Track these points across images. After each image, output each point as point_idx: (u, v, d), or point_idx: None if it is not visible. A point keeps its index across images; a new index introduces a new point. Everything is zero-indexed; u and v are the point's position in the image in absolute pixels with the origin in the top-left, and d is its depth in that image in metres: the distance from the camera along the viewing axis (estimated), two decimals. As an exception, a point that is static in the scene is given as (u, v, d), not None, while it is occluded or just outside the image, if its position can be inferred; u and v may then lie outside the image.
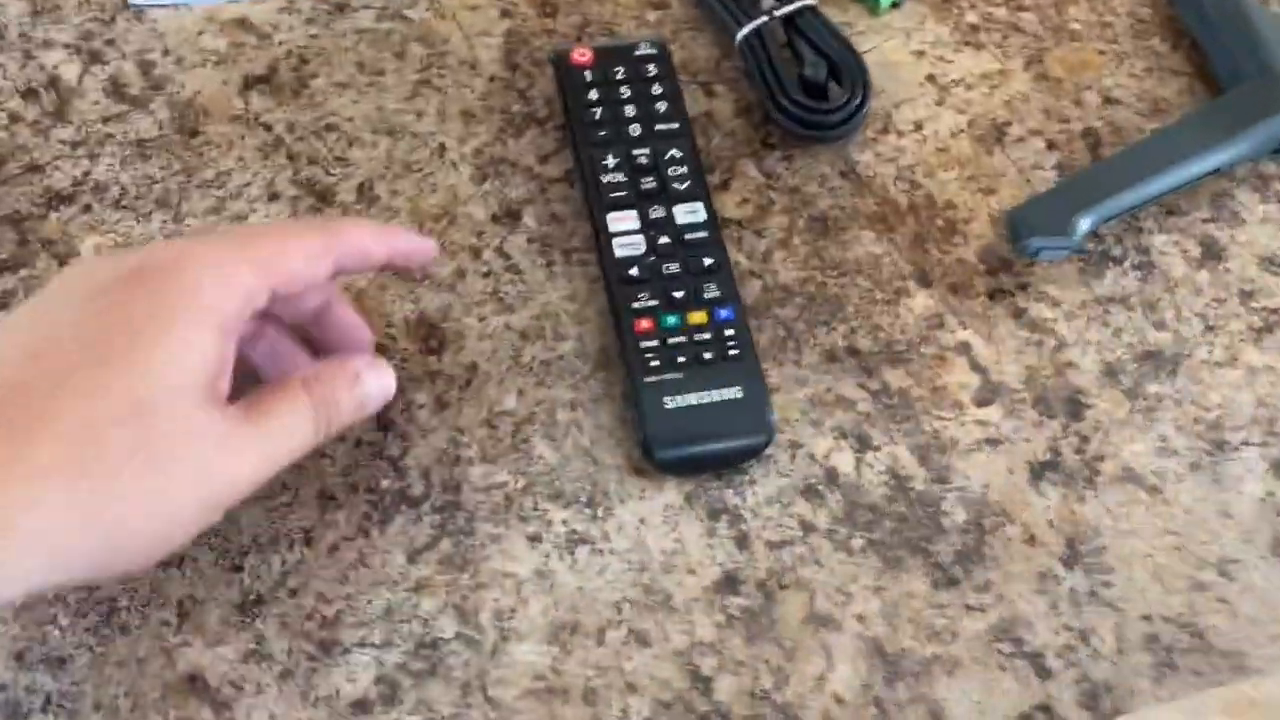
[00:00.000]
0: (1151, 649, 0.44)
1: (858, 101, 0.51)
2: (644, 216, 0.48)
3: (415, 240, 0.43)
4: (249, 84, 0.52)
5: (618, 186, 0.49)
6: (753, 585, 0.44)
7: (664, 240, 0.48)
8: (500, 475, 0.45)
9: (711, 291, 0.47)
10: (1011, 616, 0.44)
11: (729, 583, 0.44)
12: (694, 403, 0.45)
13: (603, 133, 0.50)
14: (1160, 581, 0.45)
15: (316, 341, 0.42)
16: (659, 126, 0.50)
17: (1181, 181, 0.51)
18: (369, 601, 0.42)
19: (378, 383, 0.40)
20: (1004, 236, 0.52)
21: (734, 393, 0.45)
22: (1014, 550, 0.45)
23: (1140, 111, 0.56)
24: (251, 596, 0.42)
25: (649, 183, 0.49)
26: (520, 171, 0.51)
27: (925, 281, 0.51)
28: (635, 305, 0.46)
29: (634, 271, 0.47)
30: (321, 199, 0.50)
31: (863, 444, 0.47)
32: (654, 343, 0.45)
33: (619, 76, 0.51)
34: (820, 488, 0.46)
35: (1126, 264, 0.52)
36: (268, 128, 0.51)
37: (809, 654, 0.43)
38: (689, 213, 0.49)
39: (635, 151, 0.49)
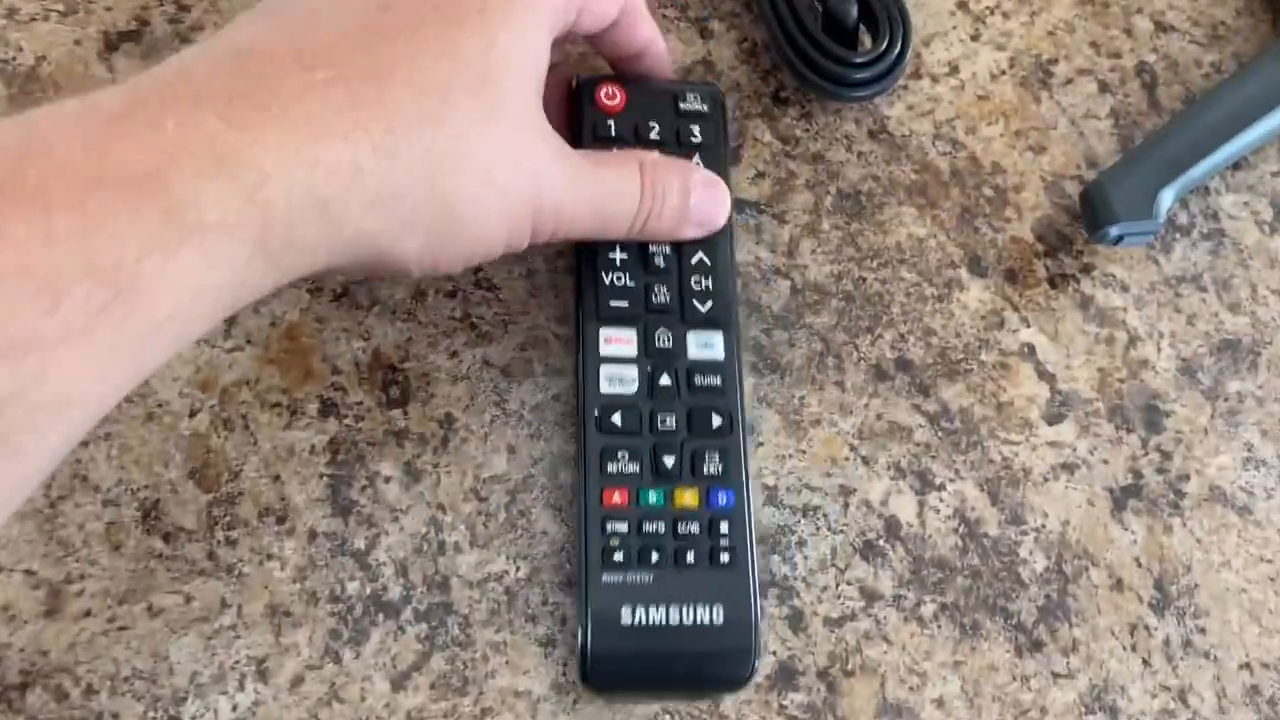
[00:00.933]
0: (1254, 703, 0.38)
1: (895, 53, 0.41)
2: (646, 341, 0.36)
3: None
4: (111, 44, 0.40)
5: (620, 292, 0.37)
6: (813, 675, 0.36)
7: (665, 381, 0.36)
8: (497, 563, 0.36)
9: (713, 465, 0.35)
10: (1103, 680, 0.38)
11: (785, 675, 0.36)
12: (660, 621, 0.33)
13: None
14: (1257, 621, 0.39)
15: (614, 61, 0.39)
16: None
17: (1269, 136, 0.43)
18: (349, 747, 0.33)
19: (711, 204, 0.37)
20: (1060, 206, 0.44)
21: (714, 614, 0.34)
22: (1101, 599, 0.39)
23: (1197, 40, 0.48)
24: (197, 757, 0.33)
25: (662, 293, 0.37)
26: (481, 150, 0.40)
27: (979, 269, 0.42)
28: (610, 468, 0.35)
29: (618, 419, 0.35)
30: (227, 201, 0.38)
31: (924, 483, 0.39)
32: (623, 525, 0.34)
33: (653, 136, 0.38)
34: (881, 543, 0.38)
35: (1195, 233, 0.45)
36: (144, 104, 0.39)
37: (884, 753, 0.36)
38: (705, 345, 0.37)
39: (653, 247, 0.37)
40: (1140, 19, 0.48)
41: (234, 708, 0.33)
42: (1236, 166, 0.46)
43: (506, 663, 0.35)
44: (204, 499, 0.35)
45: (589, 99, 0.38)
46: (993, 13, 0.47)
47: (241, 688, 0.33)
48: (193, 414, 0.36)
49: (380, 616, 0.35)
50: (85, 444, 0.35)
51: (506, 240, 0.32)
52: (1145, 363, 0.42)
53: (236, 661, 0.34)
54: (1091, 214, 0.41)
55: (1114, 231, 0.40)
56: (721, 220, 0.37)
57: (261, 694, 0.33)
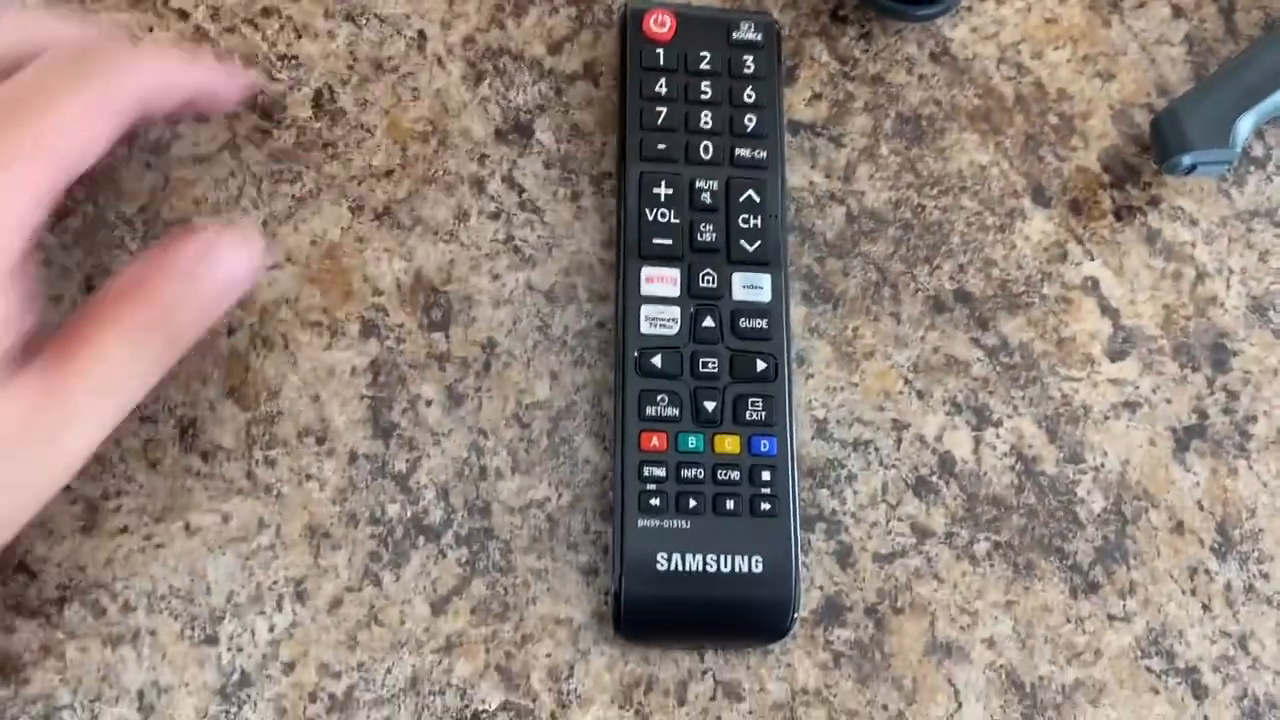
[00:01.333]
0: (1318, 652, 0.37)
1: (963, -33, 0.39)
2: (689, 281, 0.35)
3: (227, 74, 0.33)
4: (151, -50, 0.38)
5: (664, 229, 0.35)
6: (861, 612, 0.35)
7: (708, 322, 0.35)
8: (539, 489, 0.35)
9: (756, 411, 0.34)
10: (1161, 625, 0.37)
11: (832, 611, 0.35)
12: (695, 569, 0.32)
13: (661, 145, 0.36)
14: (1324, 568, 0.38)
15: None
16: (741, 151, 0.36)
17: (1355, 64, 0.41)
18: (388, 670, 0.33)
19: (231, 258, 0.30)
20: (1128, 136, 0.42)
21: (753, 564, 0.33)
22: (1160, 542, 0.37)
23: (1279, -38, 0.45)
24: (234, 677, 0.32)
25: (707, 231, 0.35)
26: (527, 66, 0.39)
27: (1042, 199, 0.41)
28: (649, 411, 0.34)
29: (658, 361, 0.34)
30: (266, 115, 0.37)
31: (981, 419, 0.38)
32: (660, 470, 0.33)
33: (703, 66, 0.37)
34: (934, 479, 0.37)
35: (1271, 166, 0.43)
36: (183, 14, 0.38)
37: (933, 692, 0.35)
38: (751, 286, 0.35)
39: (700, 182, 0.36)
40: (1219, -60, 0.45)
41: (271, 628, 0.33)
42: (1316, 96, 0.43)
43: (547, 589, 0.34)
44: (242, 417, 0.34)
45: (636, 27, 0.37)
46: (1063, -69, 0.44)
47: (279, 608, 0.33)
48: (231, 332, 0.35)
49: (421, 540, 0.34)
50: (123, 359, 0.34)
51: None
52: (1213, 299, 0.40)
53: (274, 582, 0.33)
54: (1163, 142, 0.39)
55: (1187, 160, 0.39)
56: (257, 255, 0.31)
57: (299, 615, 0.33)
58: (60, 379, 0.27)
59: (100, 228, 0.35)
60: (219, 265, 0.30)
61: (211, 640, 0.33)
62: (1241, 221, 0.42)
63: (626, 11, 0.37)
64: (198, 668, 0.32)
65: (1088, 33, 0.43)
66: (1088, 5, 0.43)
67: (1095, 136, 0.42)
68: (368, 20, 0.39)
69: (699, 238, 0.35)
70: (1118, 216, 0.41)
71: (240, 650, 0.33)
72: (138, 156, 0.36)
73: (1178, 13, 0.44)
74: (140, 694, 0.32)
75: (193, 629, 0.33)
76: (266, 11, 0.38)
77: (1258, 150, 0.43)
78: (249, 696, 0.32)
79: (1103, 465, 0.38)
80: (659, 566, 0.32)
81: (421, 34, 0.39)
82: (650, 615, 0.33)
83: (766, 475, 0.33)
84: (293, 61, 0.38)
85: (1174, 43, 0.43)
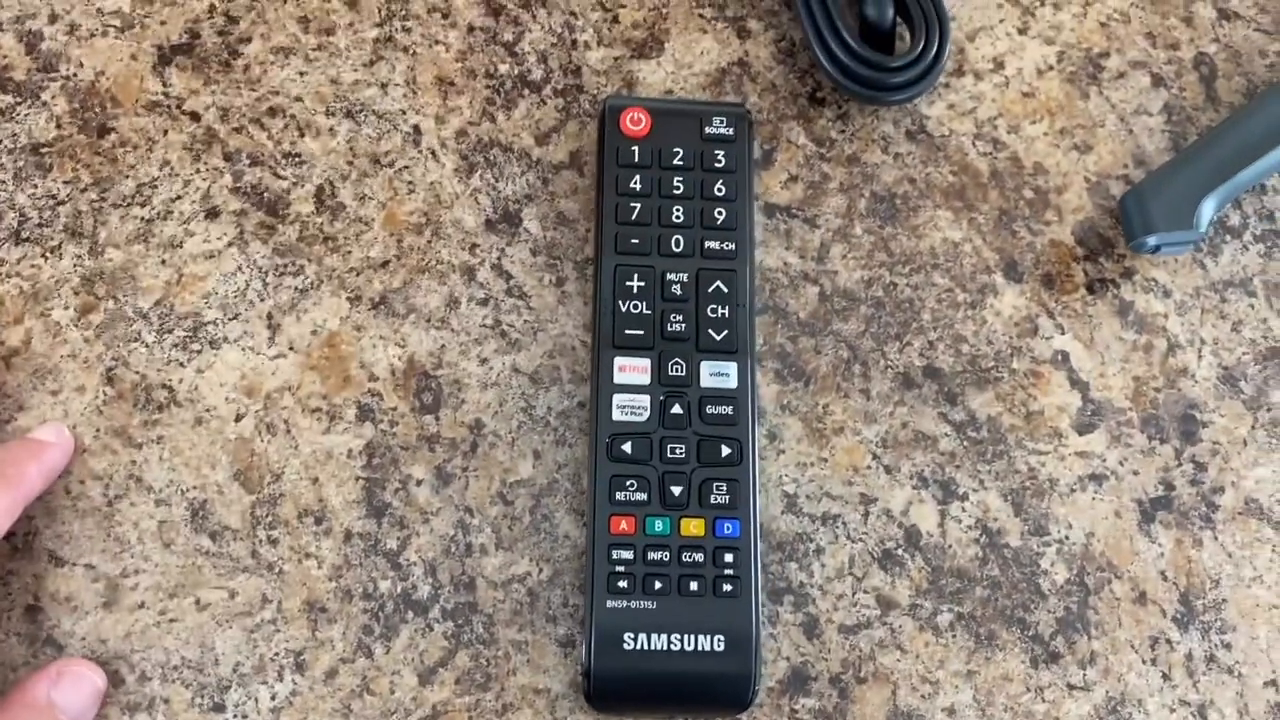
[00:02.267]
0: (1278, 720, 0.38)
1: (933, 54, 0.41)
2: (660, 370, 0.37)
3: (56, 448, 0.36)
4: (165, 57, 0.41)
5: (636, 320, 0.37)
6: (825, 681, 0.37)
7: (676, 409, 0.37)
8: (520, 564, 0.38)
9: (720, 494, 0.36)
10: (1120, 694, 0.38)
11: (798, 681, 0.37)
12: (660, 647, 0.34)
13: (635, 239, 0.38)
14: (1287, 637, 0.39)
15: None
16: (710, 242, 0.38)
17: (1327, 139, 0.42)
18: (379, 736, 0.36)
19: (77, 699, 0.34)
20: (1103, 209, 0.43)
21: (715, 642, 0.35)
22: (1122, 612, 0.39)
23: (1263, 27, 0.46)
24: (239, 742, 0.35)
25: (677, 321, 0.37)
26: (515, 157, 0.41)
27: (1014, 274, 0.42)
28: (619, 495, 0.36)
29: (629, 448, 0.36)
30: (272, 211, 0.40)
31: (947, 493, 0.40)
32: (629, 554, 0.35)
33: (676, 161, 0.39)
34: (900, 552, 0.39)
35: (1246, 235, 0.43)
36: (194, 116, 0.41)
37: (893, 759, 0.37)
38: (718, 374, 0.37)
39: (671, 274, 0.38)
40: (1202, 6, 0.46)
41: (273, 696, 0.36)
42: (1297, 163, 0.44)
43: (528, 661, 0.37)
44: (248, 500, 0.37)
45: (614, 124, 0.39)
46: (1043, 3, 0.46)
47: (280, 678, 0.36)
48: (238, 419, 0.38)
49: (410, 614, 0.37)
50: (139, 446, 0.38)
51: None
52: (1184, 371, 0.42)
53: (276, 654, 0.36)
54: (1129, 223, 0.40)
55: (1151, 241, 0.40)
56: (101, 686, 0.34)
57: (299, 685, 0.36)
58: None
59: (119, 321, 0.39)
60: (65, 707, 0.33)
61: (219, 708, 0.36)
62: (1215, 291, 0.43)
63: (605, 109, 0.39)
64: (206, 733, 0.35)
65: (1065, 105, 0.44)
66: (1066, 78, 0.45)
67: (1070, 210, 0.43)
68: (366, 117, 0.41)
69: (669, 328, 0.37)
70: (1090, 289, 0.42)
71: (245, 717, 0.36)
72: (154, 254, 0.39)
73: (1158, 82, 0.45)
74: (155, 757, 0.35)
75: (202, 697, 0.36)
76: (272, 111, 0.41)
77: (1234, 220, 0.43)
78: (252, 760, 0.35)
79: (1067, 537, 0.39)
80: (626, 645, 0.35)
81: (417, 129, 0.41)
82: (618, 690, 0.35)
83: (729, 557, 0.36)
84: (296, 159, 0.41)
85: (1153, 112, 0.44)
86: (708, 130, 0.39)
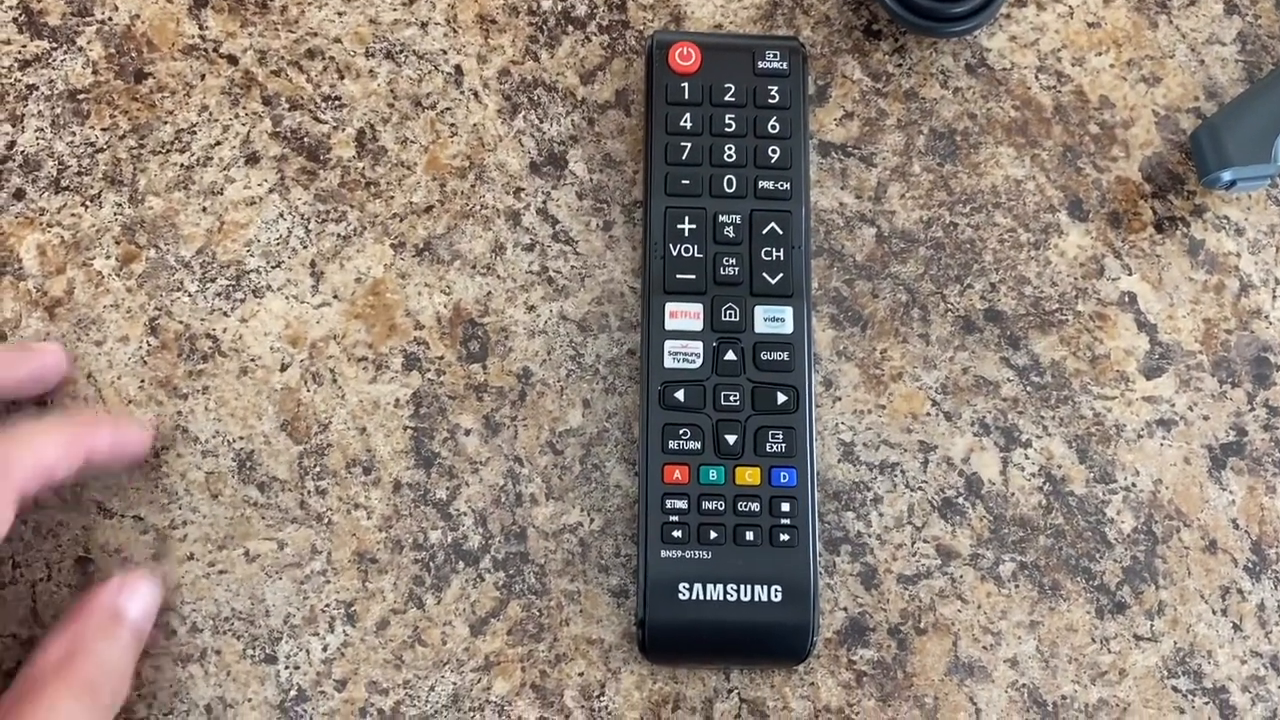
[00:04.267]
0: (1354, 672, 0.37)
1: (996, -18, 0.39)
2: (712, 315, 0.36)
3: (122, 430, 0.35)
4: (200, 0, 0.40)
5: (687, 264, 0.36)
6: (884, 632, 0.37)
7: (730, 356, 0.36)
8: (572, 514, 0.37)
9: (776, 443, 0.35)
10: (1189, 645, 0.37)
11: (856, 632, 0.37)
12: (716, 598, 0.34)
13: (685, 180, 0.37)
14: (1364, 587, 0.38)
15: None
16: (764, 182, 0.37)
17: None
18: (431, 687, 0.35)
19: (136, 601, 0.34)
20: (1173, 143, 0.41)
21: (772, 593, 0.34)
22: (1191, 561, 0.38)
23: (1345, -51, 0.43)
24: (292, 693, 0.35)
25: (730, 265, 0.36)
26: (560, 97, 0.40)
27: (1079, 213, 0.40)
28: (672, 444, 0.35)
29: (681, 395, 0.35)
30: (312, 156, 0.39)
31: (1010, 439, 0.38)
32: (682, 503, 0.34)
33: (728, 98, 0.37)
34: (960, 501, 0.38)
35: (1326, 168, 0.41)
36: (232, 60, 0.40)
37: (954, 711, 0.36)
38: (773, 319, 0.36)
39: (723, 216, 0.37)
40: (1279, -72, 0.44)
41: (324, 648, 0.35)
42: (1379, 93, 0.42)
43: (580, 611, 0.36)
44: (295, 450, 0.37)
45: (662, 60, 0.37)
46: (1110, -72, 0.43)
47: (331, 629, 0.36)
48: (284, 368, 0.37)
49: (460, 565, 0.36)
50: (184, 397, 0.37)
51: None
52: (1257, 312, 0.40)
53: (327, 605, 0.36)
54: (1202, 158, 0.38)
55: (1226, 177, 0.38)
56: (157, 598, 0.35)
57: (350, 636, 0.36)
58: None
59: (161, 270, 0.38)
60: (129, 612, 0.33)
61: (271, 659, 0.35)
62: (1291, 229, 0.41)
63: (653, 44, 0.38)
64: (259, 684, 0.35)
65: (1133, 35, 0.42)
66: (1134, 7, 0.43)
67: (1138, 145, 0.41)
68: (406, 58, 0.40)
69: (721, 271, 0.36)
70: (1159, 228, 0.40)
71: (297, 668, 0.35)
72: (194, 201, 0.39)
73: (1231, 9, 0.43)
74: (208, 708, 0.35)
75: (254, 649, 0.35)
76: (311, 53, 0.40)
77: (1312, 153, 0.41)
78: (305, 712, 0.35)
79: (1134, 485, 0.38)
80: (680, 596, 0.34)
81: (459, 69, 0.40)
82: (673, 641, 0.34)
83: (786, 506, 0.35)
84: (336, 102, 0.40)
85: (1225, 42, 0.42)
86: (760, 65, 0.38)
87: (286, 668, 0.35)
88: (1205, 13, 0.43)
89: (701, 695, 0.36)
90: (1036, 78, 0.42)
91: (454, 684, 0.35)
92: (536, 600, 0.36)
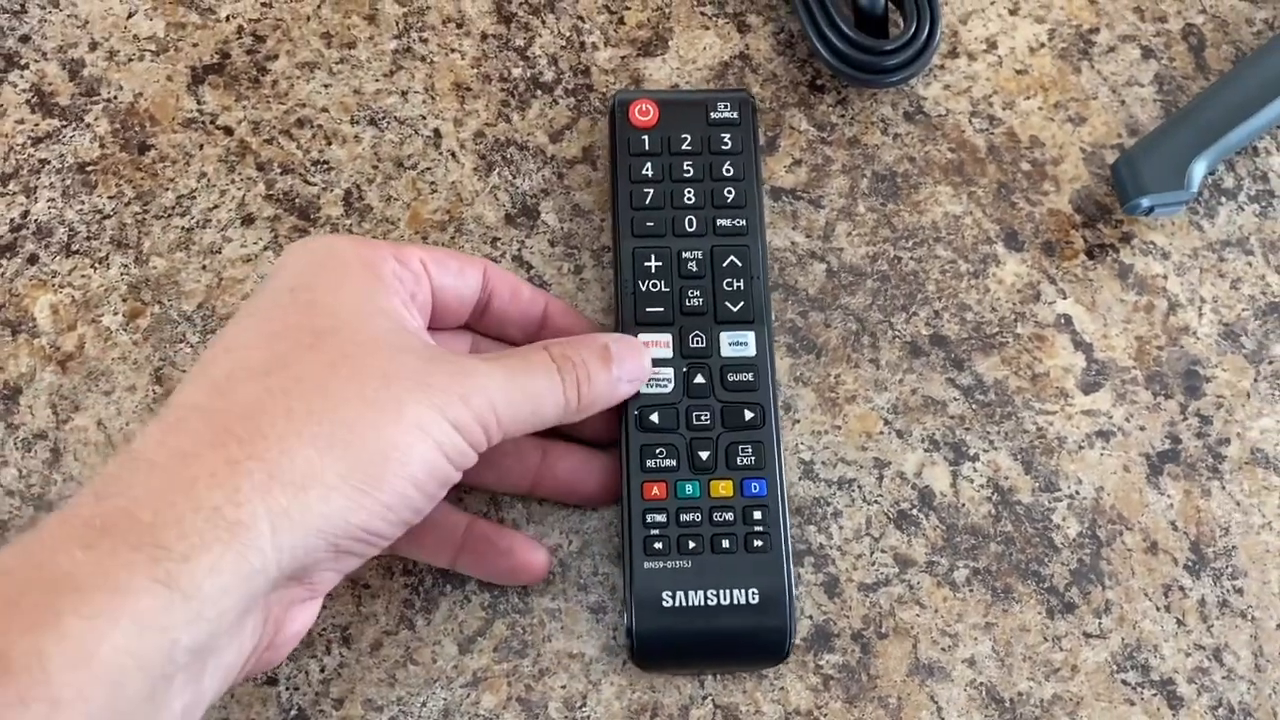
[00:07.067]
0: (1293, 661, 0.39)
1: (925, 35, 0.43)
2: (681, 343, 0.39)
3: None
4: (198, 77, 0.44)
5: (656, 298, 0.39)
6: (848, 638, 0.39)
7: (699, 379, 0.38)
8: (551, 536, 0.39)
9: (745, 456, 0.38)
10: (1136, 640, 0.39)
11: (821, 638, 0.39)
12: (698, 603, 0.36)
13: (650, 222, 0.40)
14: (1299, 581, 0.40)
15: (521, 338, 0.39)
16: (722, 220, 0.40)
17: (1311, 99, 0.43)
18: (423, 704, 0.38)
19: (633, 361, 0.37)
20: (1100, 177, 0.44)
21: (749, 596, 0.36)
22: (1134, 562, 0.40)
23: (1249, -4, 0.47)
24: (292, 712, 0.37)
25: (695, 296, 0.39)
26: (531, 155, 0.44)
27: (1015, 243, 0.44)
28: (649, 463, 0.37)
29: (656, 418, 0.38)
30: (303, 215, 0.42)
31: (958, 454, 0.41)
32: (662, 517, 0.37)
33: (685, 146, 0.41)
34: (915, 513, 0.40)
35: (1241, 196, 0.45)
36: (228, 131, 0.43)
37: (916, 709, 0.38)
38: (737, 344, 0.39)
39: (686, 253, 0.40)
40: (1188, -21, 0.47)
41: (322, 669, 0.38)
42: (1288, 124, 0.46)
43: (561, 628, 0.38)
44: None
45: (623, 117, 0.41)
46: (1032, -15, 0.47)
47: (329, 651, 0.38)
48: (279, 410, 0.40)
49: (448, 587, 0.39)
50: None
51: (439, 466, 0.32)
52: (1186, 329, 0.43)
53: (324, 629, 0.38)
54: (1121, 186, 0.42)
55: (1145, 203, 0.41)
56: (648, 368, 0.38)
57: (345, 657, 0.38)
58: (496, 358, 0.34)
59: (165, 325, 0.41)
60: (633, 358, 0.37)
61: (272, 681, 0.38)
62: (1213, 251, 0.44)
63: (615, 103, 0.42)
64: (261, 705, 0.37)
65: (1058, 80, 0.46)
66: (1058, 54, 0.46)
67: (1067, 180, 0.45)
68: (388, 123, 0.44)
69: (687, 303, 0.39)
70: (1090, 255, 0.44)
71: (297, 689, 0.38)
72: (195, 260, 0.42)
73: (1148, 54, 0.46)
74: (214, 730, 0.37)
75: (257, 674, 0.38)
76: (300, 122, 0.44)
77: (1228, 181, 0.45)
78: (305, 729, 0.37)
79: (1077, 493, 0.41)
80: (664, 603, 0.36)
81: (437, 132, 0.44)
82: (661, 648, 0.37)
83: (758, 514, 0.37)
84: (324, 166, 0.43)
85: (1144, 84, 0.46)
86: (713, 115, 0.41)
87: (287, 689, 0.38)
88: (1124, 58, 0.46)
89: (678, 703, 0.38)
90: (970, 122, 0.45)
91: (444, 699, 0.38)
92: (520, 619, 0.39)
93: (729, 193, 0.41)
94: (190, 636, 0.26)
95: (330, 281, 0.32)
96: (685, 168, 0.41)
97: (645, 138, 0.41)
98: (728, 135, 0.41)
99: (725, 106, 0.42)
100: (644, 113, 0.41)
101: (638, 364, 0.37)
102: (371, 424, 0.29)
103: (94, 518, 0.27)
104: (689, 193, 0.41)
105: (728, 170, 0.41)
